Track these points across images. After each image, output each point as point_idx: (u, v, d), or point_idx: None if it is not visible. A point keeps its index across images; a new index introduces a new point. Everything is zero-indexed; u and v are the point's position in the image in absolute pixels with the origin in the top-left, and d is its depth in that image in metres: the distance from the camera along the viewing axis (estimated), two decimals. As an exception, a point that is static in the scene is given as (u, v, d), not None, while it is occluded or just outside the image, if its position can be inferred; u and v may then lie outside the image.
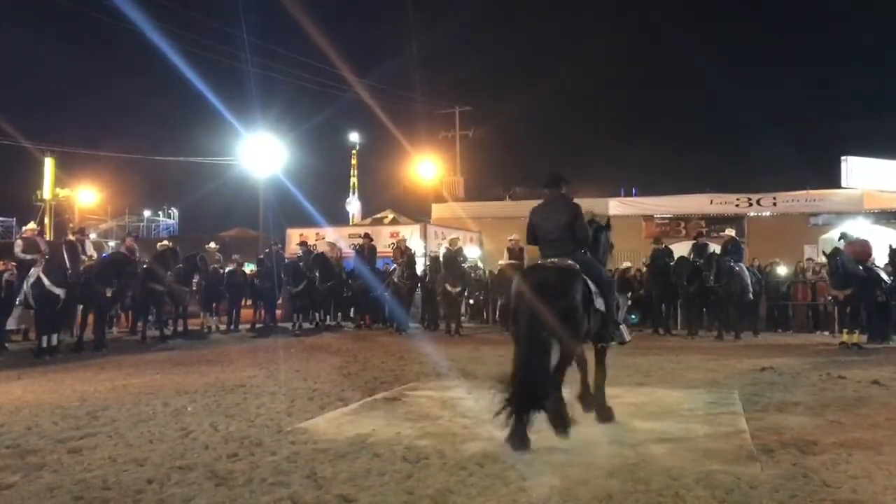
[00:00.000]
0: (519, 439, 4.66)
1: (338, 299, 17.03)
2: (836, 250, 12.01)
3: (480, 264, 20.21)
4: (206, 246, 15.76)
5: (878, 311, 12.52)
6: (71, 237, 11.64)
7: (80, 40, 55.32)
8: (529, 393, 4.64)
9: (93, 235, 19.65)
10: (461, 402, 6.47)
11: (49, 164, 31.18)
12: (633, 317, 15.32)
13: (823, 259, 13.58)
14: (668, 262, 14.79)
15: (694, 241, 15.19)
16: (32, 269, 10.53)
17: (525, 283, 4.97)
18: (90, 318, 12.09)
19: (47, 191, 31.32)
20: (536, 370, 4.69)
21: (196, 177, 34.93)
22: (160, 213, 43.27)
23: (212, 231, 34.52)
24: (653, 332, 14.57)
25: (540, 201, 5.71)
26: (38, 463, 4.46)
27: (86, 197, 37.07)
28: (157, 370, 8.88)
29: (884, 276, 12.50)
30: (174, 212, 43.44)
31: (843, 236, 12.77)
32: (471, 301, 17.85)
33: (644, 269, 16.31)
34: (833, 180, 25.39)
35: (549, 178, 5.55)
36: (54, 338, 10.54)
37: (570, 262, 5.14)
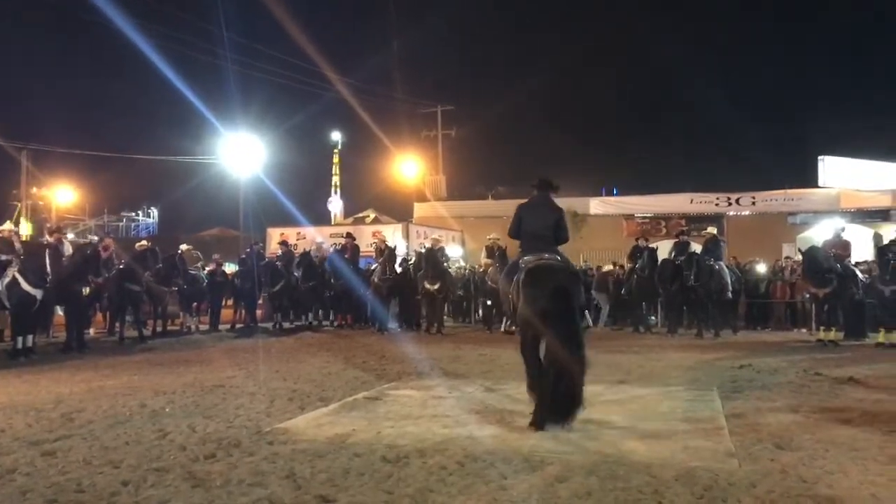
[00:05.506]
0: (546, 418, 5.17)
1: (320, 299, 16.92)
2: (813, 248, 12.17)
3: (463, 262, 20.19)
4: (180, 247, 15.37)
5: (854, 309, 12.71)
6: (50, 238, 11.41)
7: (56, 37, 54.59)
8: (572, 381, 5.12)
9: (70, 235, 19.33)
10: (442, 401, 6.46)
11: (25, 163, 30.73)
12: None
13: (800, 256, 13.73)
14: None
15: (675, 240, 15.28)
16: (7, 270, 10.34)
17: (543, 281, 5.38)
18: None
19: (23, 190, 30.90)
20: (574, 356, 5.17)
21: (176, 176, 34.59)
22: (139, 212, 42.83)
23: (192, 231, 34.23)
24: (633, 331, 14.67)
25: (522, 201, 6.17)
26: (10, 466, 4.38)
27: (63, 196, 36.64)
28: (134, 371, 8.77)
29: (859, 274, 12.70)
30: (153, 211, 43.01)
31: (844, 230, 13.16)
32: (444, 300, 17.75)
33: (626, 268, 16.38)
34: (810, 180, 25.79)
35: (539, 182, 6.07)
36: (29, 339, 10.37)
37: (559, 257, 5.71)
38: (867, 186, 24.74)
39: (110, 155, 30.80)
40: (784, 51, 54.63)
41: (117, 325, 13.36)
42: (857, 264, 13.18)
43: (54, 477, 4.14)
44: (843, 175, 25.37)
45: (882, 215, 23.20)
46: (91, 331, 13.88)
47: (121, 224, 41.44)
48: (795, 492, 3.78)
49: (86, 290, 11.49)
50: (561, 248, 5.92)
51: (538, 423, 5.17)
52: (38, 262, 10.30)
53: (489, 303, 15.35)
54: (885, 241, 13.07)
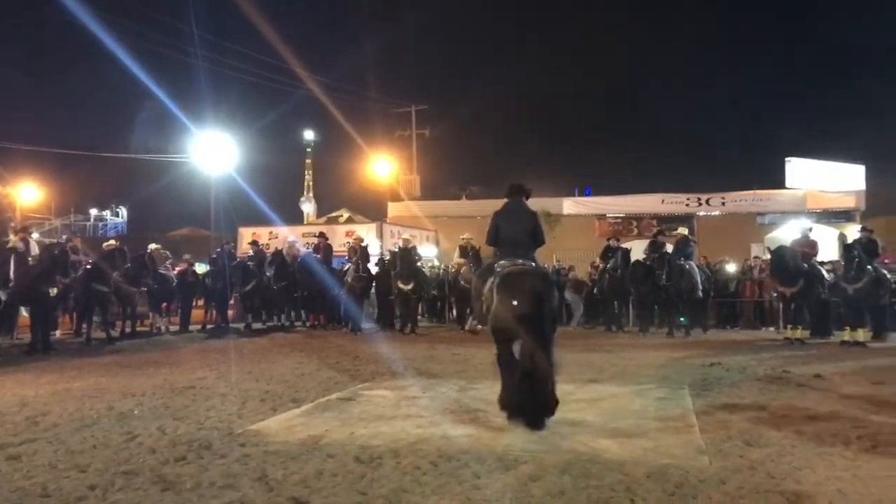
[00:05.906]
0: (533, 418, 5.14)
1: (292, 299, 16.77)
2: (781, 248, 12.39)
3: (437, 262, 20.17)
4: (149, 247, 15.08)
5: (820, 308, 12.97)
6: (15, 240, 11.07)
7: (22, 32, 53.36)
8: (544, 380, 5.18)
9: (36, 235, 18.84)
10: (416, 400, 6.46)
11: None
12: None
13: (768, 256, 13.96)
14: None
15: (651, 240, 15.43)
16: (-31, 271, 10.07)
17: (519, 287, 5.38)
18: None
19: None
20: (547, 360, 5.20)
21: (146, 174, 33.96)
22: (108, 211, 42.08)
23: (162, 230, 33.76)
24: (605, 330, 14.79)
25: (496, 201, 6.18)
26: (-28, 471, 4.27)
27: (28, 194, 35.75)
28: (102, 373, 8.59)
29: (825, 274, 12.96)
30: (122, 210, 42.29)
31: (811, 229, 13.72)
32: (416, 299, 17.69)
33: (599, 266, 16.47)
34: (778, 181, 26.26)
35: (511, 188, 6.17)
36: (-7, 340, 10.14)
37: (534, 264, 5.83)
38: (832, 188, 25.28)
39: (77, 153, 30.13)
40: (751, 52, 55.62)
41: (84, 326, 13.10)
42: (822, 264, 13.45)
43: (19, 481, 4.05)
44: (809, 176, 25.88)
45: (846, 216, 23.77)
46: (57, 332, 13.60)
47: (88, 223, 40.70)
48: (764, 487, 3.84)
49: (53, 291, 11.22)
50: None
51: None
52: (2, 266, 10.04)
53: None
54: (850, 241, 13.36)
